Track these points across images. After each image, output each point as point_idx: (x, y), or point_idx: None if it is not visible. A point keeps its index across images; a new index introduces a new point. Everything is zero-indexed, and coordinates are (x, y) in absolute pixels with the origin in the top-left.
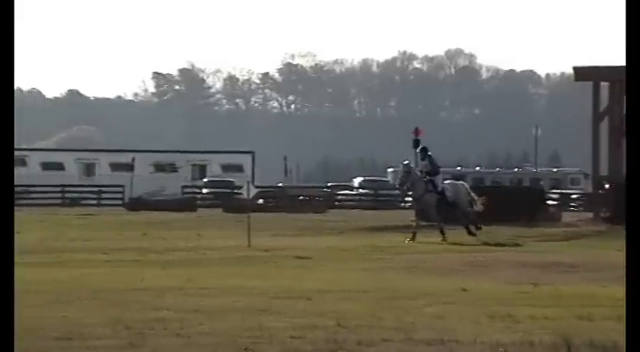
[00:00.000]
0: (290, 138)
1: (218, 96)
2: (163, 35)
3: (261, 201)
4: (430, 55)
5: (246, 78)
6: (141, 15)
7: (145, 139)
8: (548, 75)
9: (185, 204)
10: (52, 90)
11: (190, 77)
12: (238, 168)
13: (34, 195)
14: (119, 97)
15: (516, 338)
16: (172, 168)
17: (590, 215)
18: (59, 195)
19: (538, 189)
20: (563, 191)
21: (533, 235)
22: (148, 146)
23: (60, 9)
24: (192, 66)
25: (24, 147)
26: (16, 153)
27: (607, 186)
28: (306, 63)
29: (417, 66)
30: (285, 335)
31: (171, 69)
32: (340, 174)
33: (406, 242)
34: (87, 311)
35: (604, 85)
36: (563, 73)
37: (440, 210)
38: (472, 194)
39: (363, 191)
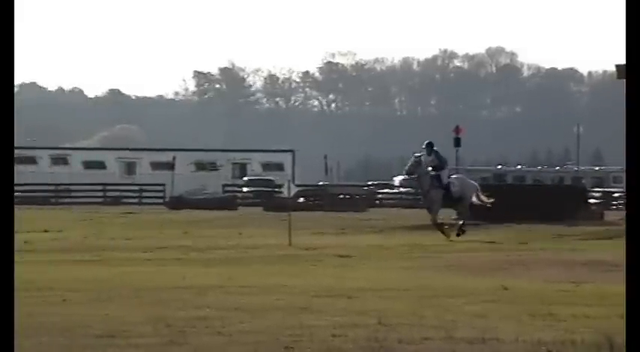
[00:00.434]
0: (330, 136)
1: (258, 94)
2: (204, 34)
3: (301, 199)
4: (471, 53)
5: (286, 77)
6: (182, 14)
7: (185, 138)
8: (590, 73)
9: (226, 202)
10: (94, 89)
11: (231, 76)
12: (279, 167)
13: (75, 194)
14: (160, 96)
15: (558, 337)
16: (213, 166)
17: None
18: (100, 193)
19: (580, 188)
20: (605, 189)
21: (575, 234)
22: (189, 145)
23: (102, 9)
24: (233, 65)
25: (66, 146)
26: (58, 151)
27: None
28: (346, 61)
29: (458, 64)
30: (326, 334)
31: (212, 68)
32: (381, 173)
33: (450, 239)
34: (128, 309)
35: None
36: (605, 71)
37: (445, 205)
38: (480, 193)
39: (404, 189)
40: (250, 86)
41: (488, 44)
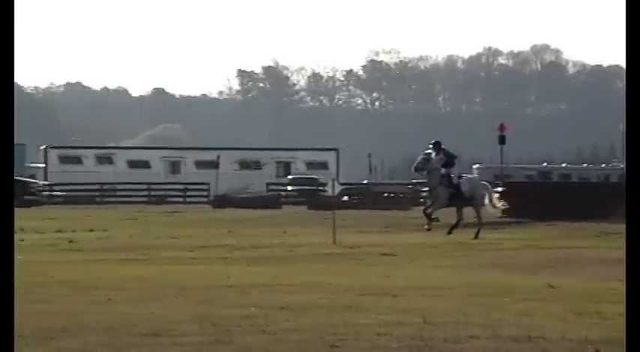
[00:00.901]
0: (374, 134)
1: (302, 93)
2: (248, 33)
3: (345, 198)
4: (516, 50)
5: (330, 75)
6: (226, 13)
7: (229, 137)
8: None
9: (270, 201)
10: (139, 88)
11: (275, 75)
12: (323, 165)
13: (120, 193)
14: (204, 95)
15: (604, 335)
16: (257, 165)
17: None
18: (145, 192)
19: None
20: None
21: (620, 231)
22: (233, 143)
23: (148, 9)
24: (277, 63)
25: (111, 145)
26: (103, 151)
27: None
28: (390, 59)
29: (503, 62)
30: (371, 332)
31: (256, 66)
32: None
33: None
34: (174, 307)
35: None
36: None
37: (451, 205)
38: (491, 192)
39: None
40: (294, 85)
41: (533, 41)
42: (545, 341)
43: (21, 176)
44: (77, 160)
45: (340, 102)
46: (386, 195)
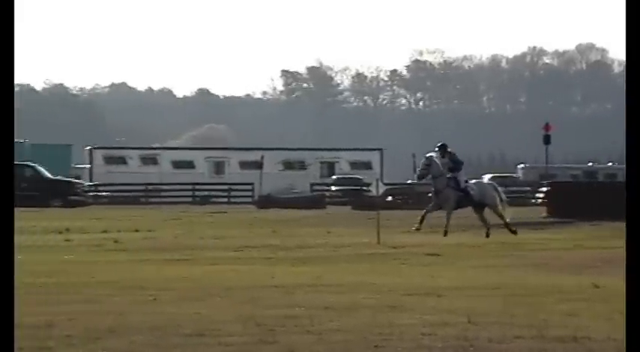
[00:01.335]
0: (418, 134)
1: (346, 93)
2: (292, 33)
3: (389, 198)
4: (561, 49)
5: (374, 75)
6: (270, 14)
7: (273, 137)
8: None
9: (314, 201)
10: (183, 89)
11: (319, 75)
12: (367, 166)
13: (165, 193)
14: (248, 96)
15: None
16: (301, 165)
17: None
18: (190, 193)
19: None
20: None
21: None
22: (277, 144)
23: (190, 9)
24: (321, 64)
25: (155, 145)
26: (147, 151)
27: None
28: (434, 59)
29: (548, 61)
30: (415, 332)
31: (300, 67)
32: (469, 171)
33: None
34: (218, 308)
35: None
36: None
37: (460, 207)
38: (502, 194)
39: None
40: (338, 85)
41: (578, 41)
42: (591, 341)
43: (67, 176)
44: (122, 161)
45: (384, 102)
46: (430, 195)
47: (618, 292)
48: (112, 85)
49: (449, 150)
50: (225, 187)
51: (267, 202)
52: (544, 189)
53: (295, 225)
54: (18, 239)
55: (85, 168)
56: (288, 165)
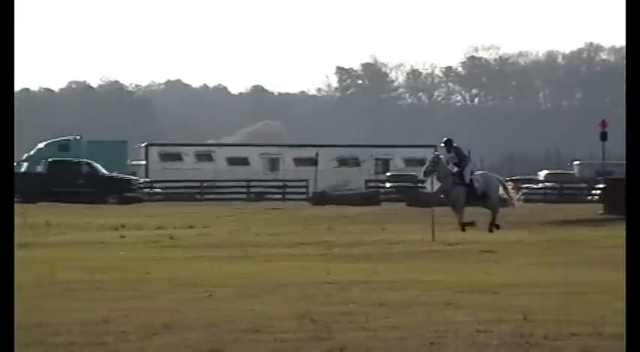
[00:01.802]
0: (473, 131)
1: (401, 90)
2: (346, 30)
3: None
4: (617, 46)
5: (429, 71)
6: (325, 10)
7: (328, 134)
8: None
9: (368, 198)
10: (238, 86)
11: (373, 71)
12: (421, 162)
13: (220, 190)
14: (302, 92)
15: None
16: (355, 162)
17: None
18: (244, 189)
19: None
20: None
21: None
22: (331, 140)
23: (246, 7)
24: (375, 60)
25: (210, 142)
26: (202, 148)
27: None
28: (489, 56)
29: (604, 57)
30: (470, 329)
31: (355, 63)
32: (525, 168)
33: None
34: (273, 304)
35: None
36: None
37: (469, 204)
38: (508, 188)
39: (549, 184)
40: (393, 81)
41: None
42: None
43: (122, 173)
44: (177, 157)
45: (439, 98)
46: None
47: None
48: (168, 82)
49: (455, 145)
50: (280, 184)
51: (321, 199)
52: (600, 185)
53: (350, 221)
54: (74, 236)
55: (140, 164)
56: (343, 162)
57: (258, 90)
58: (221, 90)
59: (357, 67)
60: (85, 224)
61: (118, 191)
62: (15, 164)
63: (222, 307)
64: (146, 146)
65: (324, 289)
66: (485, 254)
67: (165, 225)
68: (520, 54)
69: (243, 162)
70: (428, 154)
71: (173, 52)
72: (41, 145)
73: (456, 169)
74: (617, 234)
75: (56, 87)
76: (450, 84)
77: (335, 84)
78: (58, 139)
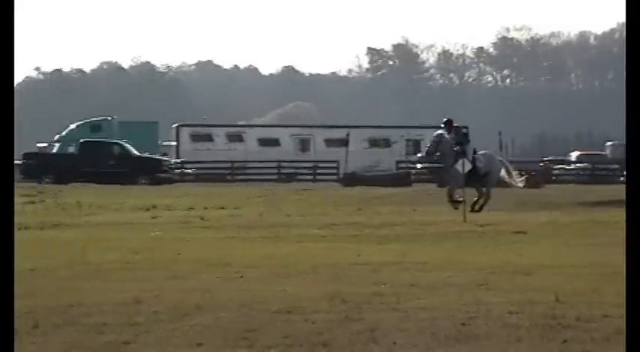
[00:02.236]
0: (505, 112)
1: (432, 71)
2: (377, 11)
3: None
4: None
5: (460, 52)
6: None
7: (359, 115)
8: None
9: (399, 179)
10: (268, 67)
11: (404, 52)
12: None
13: (250, 171)
14: (334, 73)
15: None
16: (386, 143)
17: None
18: (275, 170)
19: None
20: None
21: None
22: (362, 121)
23: None
24: (407, 41)
25: (241, 123)
26: (233, 129)
27: None
28: (521, 36)
29: None
30: (502, 311)
31: (386, 44)
32: (557, 148)
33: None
34: (304, 285)
35: None
36: None
37: (469, 181)
38: (510, 170)
39: (581, 165)
40: (424, 62)
41: None
42: None
43: (154, 154)
44: (208, 138)
45: (470, 79)
46: (516, 172)
47: None
48: (199, 63)
49: (455, 125)
50: (311, 165)
51: (352, 180)
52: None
53: (380, 202)
54: (106, 216)
55: (171, 145)
56: (374, 143)
57: (289, 71)
58: (252, 71)
59: (388, 47)
60: (116, 204)
61: (149, 172)
62: (47, 145)
63: (254, 288)
64: (177, 127)
65: (355, 270)
66: (517, 235)
67: (196, 206)
68: (552, 34)
69: (274, 143)
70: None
71: (204, 32)
72: (73, 126)
73: (457, 148)
74: None
75: (88, 68)
76: (481, 65)
77: (366, 65)
78: (90, 120)
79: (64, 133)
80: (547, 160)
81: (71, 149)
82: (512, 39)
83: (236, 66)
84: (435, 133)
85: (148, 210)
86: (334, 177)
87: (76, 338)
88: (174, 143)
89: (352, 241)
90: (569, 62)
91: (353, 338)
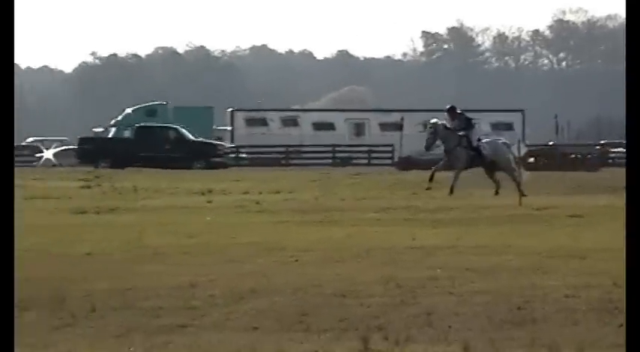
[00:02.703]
0: (561, 95)
1: (487, 54)
2: None
3: (531, 159)
4: None
5: (515, 35)
6: None
7: (413, 98)
8: None
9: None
10: (323, 51)
11: (459, 35)
12: (508, 127)
13: (305, 155)
14: (388, 57)
15: None
16: None
17: None
18: (330, 154)
19: None
20: None
21: None
22: (417, 105)
23: None
24: (461, 24)
25: (296, 107)
26: (288, 113)
27: None
28: (577, 19)
29: None
30: (558, 294)
31: (440, 28)
32: (613, 132)
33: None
34: (359, 269)
35: None
36: None
37: (472, 167)
38: (514, 156)
39: None
40: (479, 45)
41: None
42: None
43: (209, 138)
44: (263, 123)
45: (526, 62)
46: (573, 156)
47: None
48: (253, 48)
49: (458, 111)
50: (366, 149)
51: (407, 164)
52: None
53: (436, 186)
54: (162, 201)
55: (226, 130)
56: None
57: (343, 55)
58: (306, 55)
59: (442, 31)
60: (172, 189)
61: (204, 156)
62: (103, 129)
63: (309, 271)
64: (232, 111)
65: (410, 254)
66: (573, 218)
67: (251, 190)
68: (608, 17)
69: (329, 127)
70: (515, 119)
71: (258, 17)
72: (129, 110)
73: (462, 132)
74: None
75: (143, 53)
76: (537, 48)
77: (420, 48)
78: (146, 105)
79: (119, 118)
80: (603, 143)
81: (127, 134)
82: (568, 22)
83: (290, 50)
84: (429, 123)
85: (203, 194)
86: (389, 161)
87: (133, 321)
88: (229, 128)
89: (407, 225)
90: None
91: (408, 322)
